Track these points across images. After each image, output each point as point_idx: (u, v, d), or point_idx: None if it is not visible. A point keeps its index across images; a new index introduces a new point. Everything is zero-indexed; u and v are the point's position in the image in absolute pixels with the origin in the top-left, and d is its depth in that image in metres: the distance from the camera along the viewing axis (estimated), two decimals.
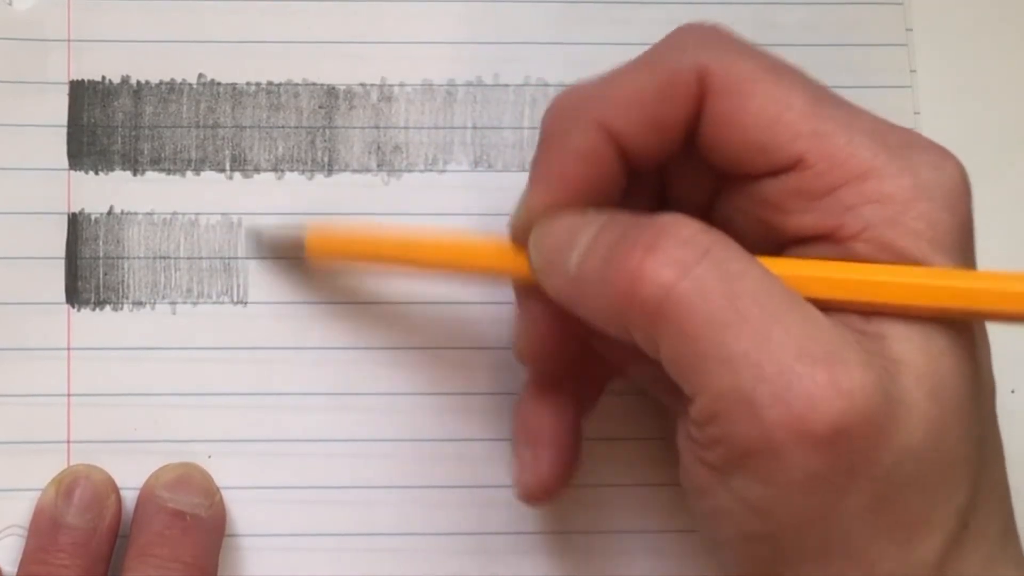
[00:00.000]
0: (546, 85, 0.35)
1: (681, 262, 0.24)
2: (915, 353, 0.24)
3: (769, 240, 0.27)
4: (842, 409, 0.23)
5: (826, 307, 0.24)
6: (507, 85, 0.35)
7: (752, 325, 0.23)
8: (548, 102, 0.29)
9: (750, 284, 0.24)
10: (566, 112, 0.28)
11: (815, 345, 0.23)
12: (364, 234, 0.32)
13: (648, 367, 0.29)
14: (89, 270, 0.33)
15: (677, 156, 0.28)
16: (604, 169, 0.27)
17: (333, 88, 0.34)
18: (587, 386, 0.32)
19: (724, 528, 0.25)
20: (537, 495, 0.30)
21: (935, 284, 0.24)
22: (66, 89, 0.34)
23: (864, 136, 0.26)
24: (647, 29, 0.35)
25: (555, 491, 0.30)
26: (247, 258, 0.34)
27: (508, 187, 0.34)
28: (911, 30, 0.36)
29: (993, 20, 0.37)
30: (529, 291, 0.29)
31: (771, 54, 0.27)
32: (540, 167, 0.28)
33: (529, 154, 0.34)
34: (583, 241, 0.26)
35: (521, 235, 0.28)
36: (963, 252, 0.25)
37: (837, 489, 0.23)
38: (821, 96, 0.26)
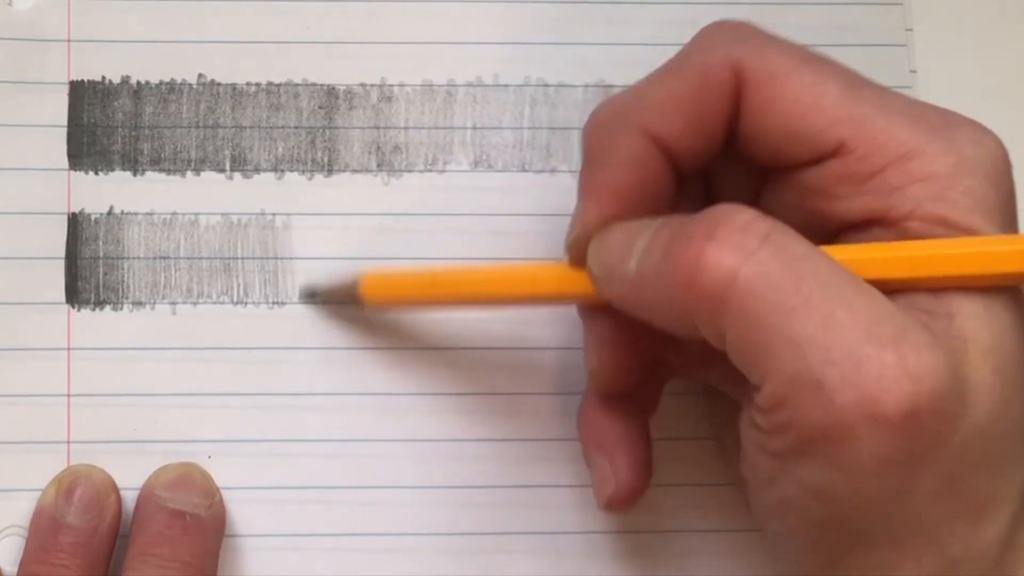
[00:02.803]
0: (546, 85, 0.35)
1: (742, 247, 0.24)
2: (981, 330, 0.24)
3: (819, 230, 0.27)
4: (912, 392, 0.23)
5: (889, 290, 0.24)
6: (507, 85, 0.35)
7: (817, 308, 0.23)
8: (587, 117, 0.29)
9: (812, 267, 0.24)
10: (607, 123, 0.28)
11: (882, 327, 0.23)
12: (419, 274, 0.32)
13: (714, 369, 0.29)
14: (89, 270, 0.33)
15: (720, 156, 0.28)
16: (653, 175, 0.28)
17: (333, 88, 0.34)
18: (649, 390, 0.31)
19: (789, 518, 0.25)
20: (620, 502, 0.30)
21: (1000, 250, 0.24)
22: (66, 89, 0.34)
23: (903, 117, 0.26)
24: (647, 29, 0.35)
25: (638, 496, 0.30)
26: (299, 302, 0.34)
27: (508, 187, 0.34)
28: (911, 30, 0.36)
29: (993, 20, 0.37)
30: (594, 311, 0.29)
31: (801, 45, 0.27)
32: (589, 182, 0.28)
33: (529, 154, 0.35)
34: (641, 243, 0.26)
35: (578, 252, 0.28)
36: (1011, 226, 0.25)
37: (908, 472, 0.23)
38: (856, 82, 0.27)
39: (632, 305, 0.27)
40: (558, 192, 0.34)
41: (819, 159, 0.26)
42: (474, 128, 0.35)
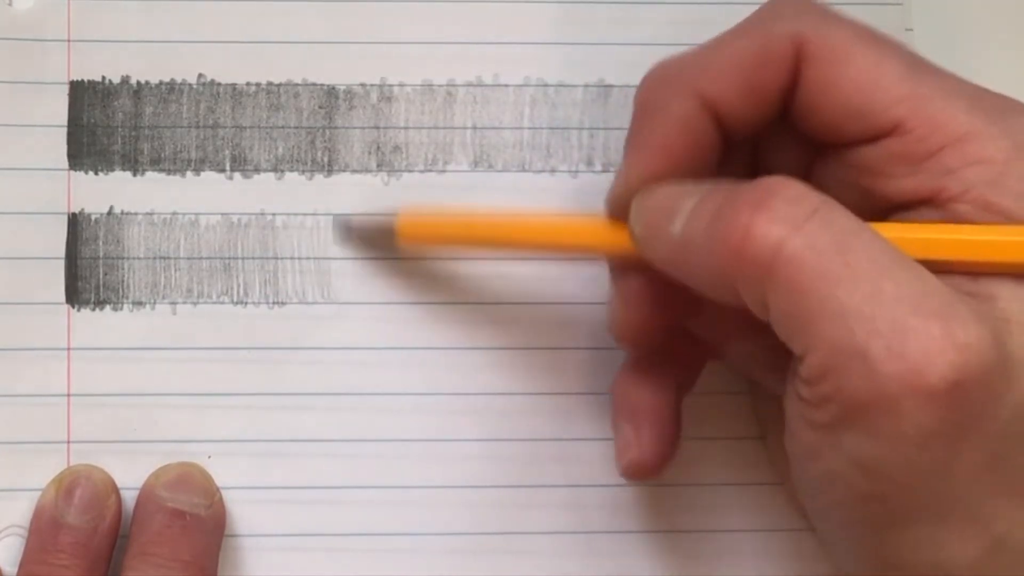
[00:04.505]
0: (546, 85, 0.35)
1: (791, 219, 0.24)
2: None
3: (868, 208, 0.27)
4: (958, 363, 0.23)
5: (932, 270, 0.24)
6: (507, 85, 0.35)
7: (864, 281, 0.23)
8: (643, 76, 0.29)
9: (860, 242, 0.24)
10: (662, 83, 0.28)
11: (928, 300, 0.23)
12: (457, 217, 0.32)
13: (747, 343, 0.30)
14: (89, 270, 0.33)
15: (771, 127, 0.28)
16: (702, 138, 0.28)
17: (333, 88, 0.34)
18: (683, 369, 0.32)
19: (833, 492, 0.25)
20: (640, 471, 0.30)
21: None
22: (66, 89, 0.34)
23: (962, 100, 0.26)
24: (647, 29, 0.35)
25: (658, 468, 0.30)
26: (339, 257, 0.34)
27: (508, 187, 0.34)
28: (911, 30, 0.36)
29: (993, 20, 0.37)
30: (626, 268, 0.29)
31: (865, 23, 0.27)
32: (637, 138, 0.28)
33: (529, 154, 0.35)
34: (687, 205, 0.26)
35: (619, 208, 0.28)
36: None
37: (952, 445, 0.23)
38: (917, 62, 0.27)
39: (673, 267, 0.27)
40: (558, 192, 0.34)
41: (875, 137, 0.27)
42: (474, 128, 0.35)
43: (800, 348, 0.24)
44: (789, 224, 0.24)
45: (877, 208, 0.27)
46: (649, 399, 0.30)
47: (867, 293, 0.23)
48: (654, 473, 0.30)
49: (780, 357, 0.25)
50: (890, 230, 0.25)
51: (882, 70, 0.26)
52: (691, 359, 0.32)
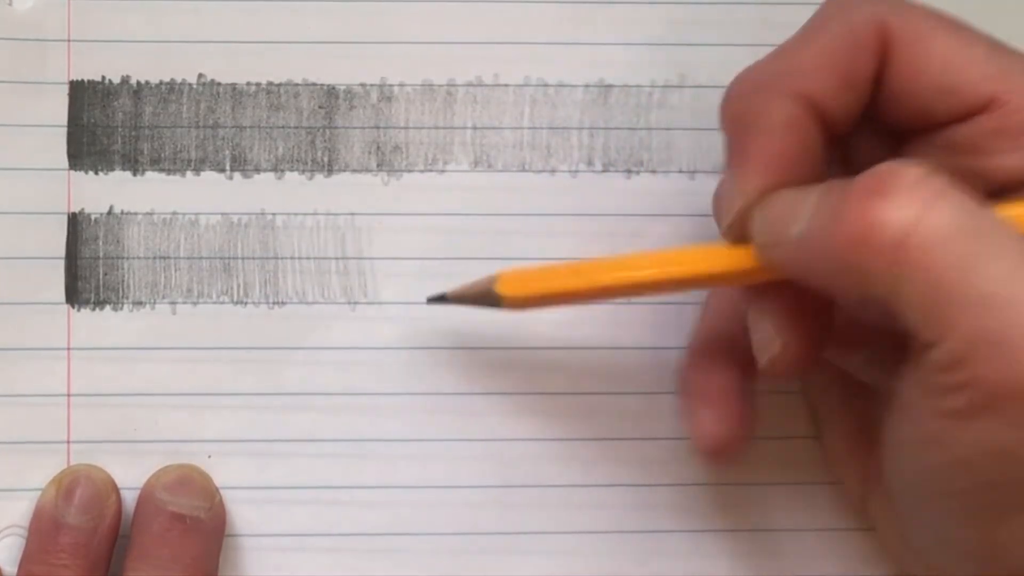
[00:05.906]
0: (546, 85, 0.35)
1: (920, 202, 0.23)
2: None
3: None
4: None
5: None
6: (507, 85, 0.35)
7: (998, 265, 0.23)
8: (725, 90, 0.29)
9: (988, 223, 0.23)
10: (755, 91, 0.28)
11: None
12: (563, 269, 0.30)
13: (860, 353, 0.29)
14: (89, 270, 0.33)
15: (856, 123, 0.28)
16: (808, 139, 0.27)
17: (333, 88, 0.34)
18: (748, 353, 0.30)
19: (954, 480, 0.24)
20: (722, 448, 0.30)
21: None
22: (66, 89, 0.34)
23: None
24: (647, 29, 0.35)
25: (738, 444, 0.30)
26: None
27: (508, 187, 0.34)
28: None
29: (991, 21, 0.36)
30: (765, 290, 0.28)
31: (937, 7, 0.28)
32: (744, 152, 0.28)
33: (529, 154, 0.35)
34: (808, 206, 0.26)
35: (740, 226, 0.28)
36: None
37: None
38: (998, 42, 0.27)
39: (800, 268, 0.26)
40: (558, 192, 0.34)
41: (967, 115, 0.27)
42: (474, 128, 0.35)
43: (934, 335, 0.24)
44: (916, 209, 0.23)
45: (980, 189, 0.26)
46: (721, 379, 0.30)
47: (1003, 277, 0.23)
48: (734, 450, 0.30)
49: (887, 350, 0.25)
50: (1009, 209, 0.24)
51: (968, 47, 0.27)
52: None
